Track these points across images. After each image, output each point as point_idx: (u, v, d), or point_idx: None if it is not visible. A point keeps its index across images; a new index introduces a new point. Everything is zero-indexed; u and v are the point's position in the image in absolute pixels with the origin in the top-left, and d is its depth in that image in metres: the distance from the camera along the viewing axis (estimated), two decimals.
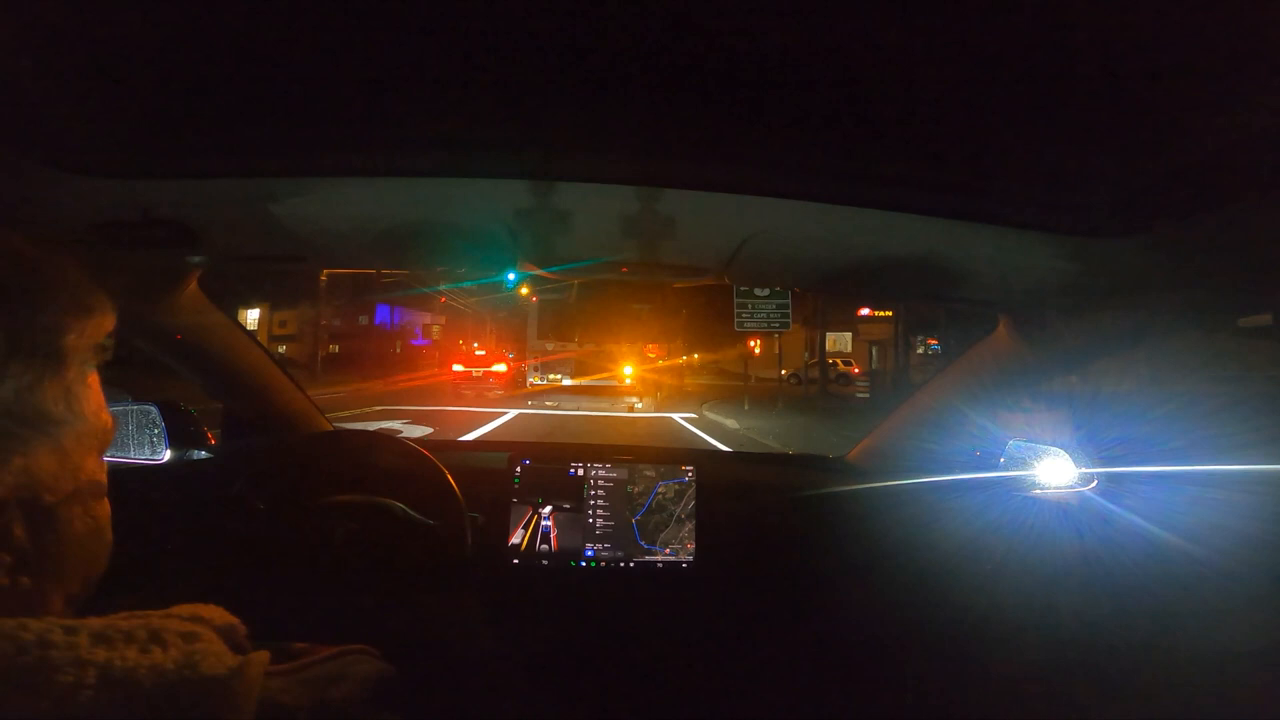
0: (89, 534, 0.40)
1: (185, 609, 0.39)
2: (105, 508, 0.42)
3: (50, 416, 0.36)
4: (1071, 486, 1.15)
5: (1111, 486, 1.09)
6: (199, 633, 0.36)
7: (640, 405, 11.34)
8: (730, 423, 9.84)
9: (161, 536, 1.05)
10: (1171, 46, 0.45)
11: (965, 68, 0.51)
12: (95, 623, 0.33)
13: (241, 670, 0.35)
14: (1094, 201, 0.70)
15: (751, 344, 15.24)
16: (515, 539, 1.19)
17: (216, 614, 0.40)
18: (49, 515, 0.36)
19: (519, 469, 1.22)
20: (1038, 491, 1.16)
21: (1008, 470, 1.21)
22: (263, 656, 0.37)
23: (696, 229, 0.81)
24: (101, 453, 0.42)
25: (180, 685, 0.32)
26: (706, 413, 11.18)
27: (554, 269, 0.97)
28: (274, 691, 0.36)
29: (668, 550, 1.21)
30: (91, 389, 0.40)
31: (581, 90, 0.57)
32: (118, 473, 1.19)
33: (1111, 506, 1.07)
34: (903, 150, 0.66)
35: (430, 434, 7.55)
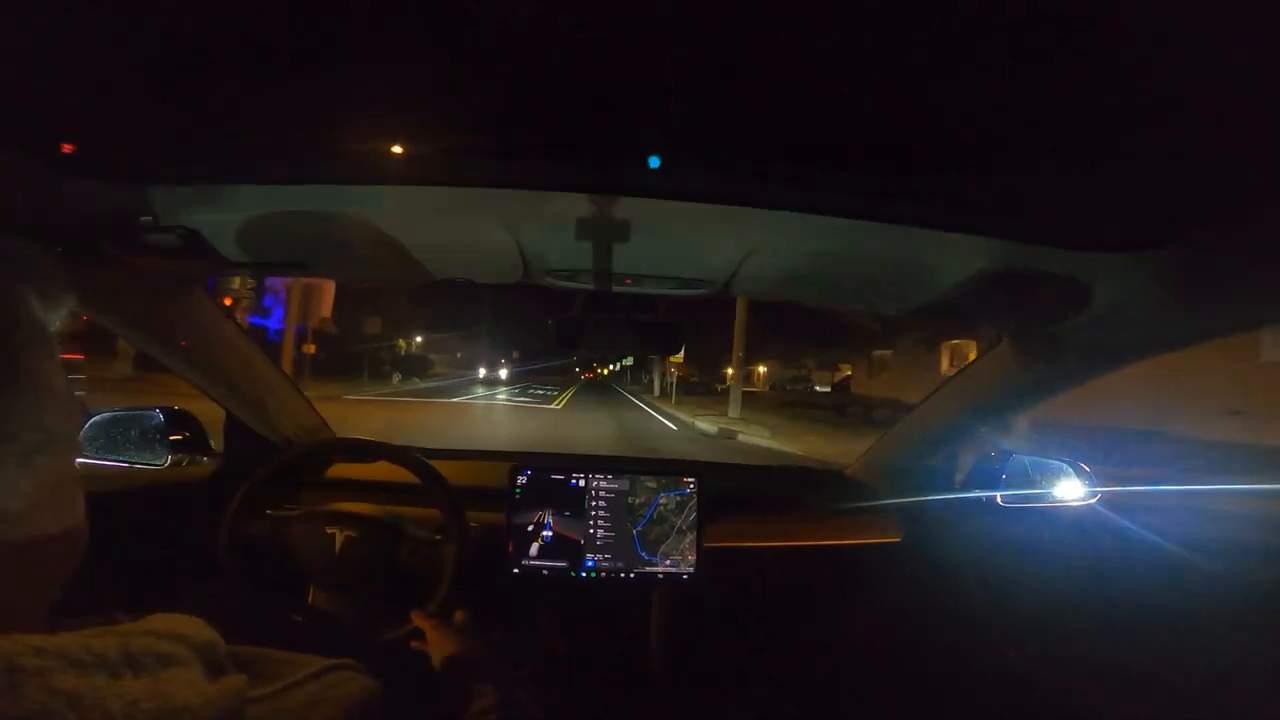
0: (61, 534, 0.37)
1: (164, 624, 0.36)
2: (78, 501, 0.39)
3: (7, 435, 0.33)
4: (1076, 500, 1.14)
5: (1116, 501, 1.09)
6: (175, 655, 0.34)
7: None
8: None
9: (162, 541, 1.05)
10: (1175, 62, 0.45)
11: (970, 84, 0.51)
12: (67, 641, 0.31)
13: (216, 701, 0.33)
14: (1098, 216, 0.70)
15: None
16: (515, 549, 1.18)
17: (196, 629, 0.38)
18: (12, 524, 0.34)
19: (520, 480, 1.22)
20: (1041, 506, 1.16)
21: (1011, 485, 1.20)
22: (239, 683, 0.35)
23: (701, 241, 0.81)
24: (73, 447, 0.38)
25: (152, 717, 0.31)
26: None
27: (557, 279, 0.98)
28: None
29: (668, 561, 1.21)
30: (53, 382, 0.36)
31: (588, 100, 0.57)
32: (118, 477, 1.18)
33: (1116, 518, 1.06)
34: (907, 165, 0.66)
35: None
